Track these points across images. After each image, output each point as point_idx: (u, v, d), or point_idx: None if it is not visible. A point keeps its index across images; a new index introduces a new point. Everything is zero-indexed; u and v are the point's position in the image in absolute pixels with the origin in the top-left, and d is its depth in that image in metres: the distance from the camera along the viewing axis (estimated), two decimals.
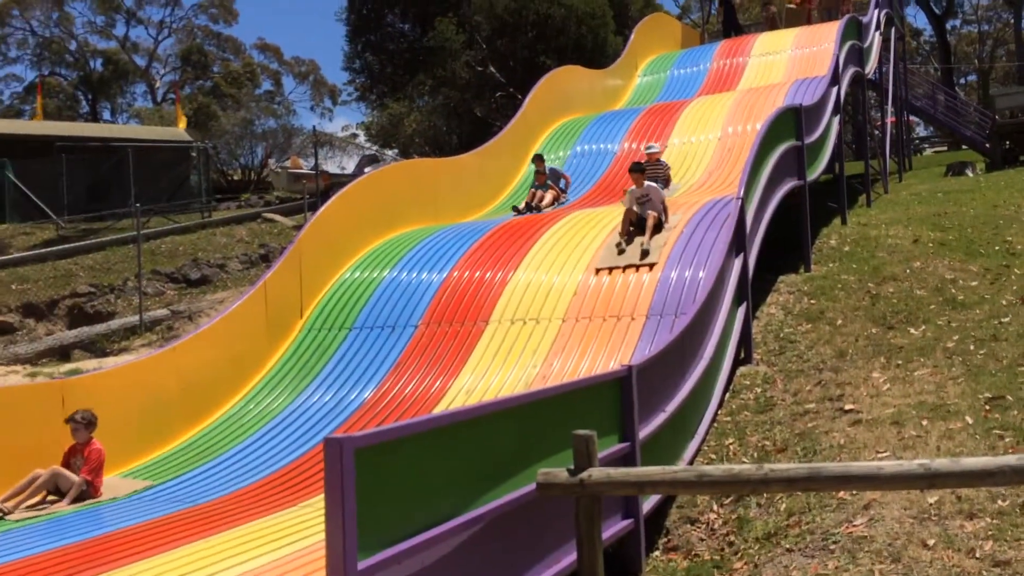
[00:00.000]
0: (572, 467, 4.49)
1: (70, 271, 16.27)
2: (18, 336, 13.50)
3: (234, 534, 6.01)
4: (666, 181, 12.91)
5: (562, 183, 14.27)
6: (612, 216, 11.28)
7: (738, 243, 8.89)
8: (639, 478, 4.46)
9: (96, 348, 12.82)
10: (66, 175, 21.77)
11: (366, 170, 24.73)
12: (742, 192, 9.13)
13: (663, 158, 14.07)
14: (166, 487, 7.62)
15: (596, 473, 4.43)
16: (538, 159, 14.24)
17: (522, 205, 13.34)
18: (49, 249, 17.82)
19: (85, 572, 5.28)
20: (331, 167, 33.21)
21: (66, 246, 17.99)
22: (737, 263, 8.82)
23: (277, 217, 21.02)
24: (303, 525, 6.09)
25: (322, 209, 11.66)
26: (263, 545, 5.61)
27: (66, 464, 7.25)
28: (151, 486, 7.55)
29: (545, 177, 13.89)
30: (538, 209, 13.13)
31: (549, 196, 13.61)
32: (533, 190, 13.71)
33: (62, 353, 12.68)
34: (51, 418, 7.67)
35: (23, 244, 18.84)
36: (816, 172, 12.92)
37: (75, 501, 7.03)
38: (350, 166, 35.56)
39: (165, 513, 6.66)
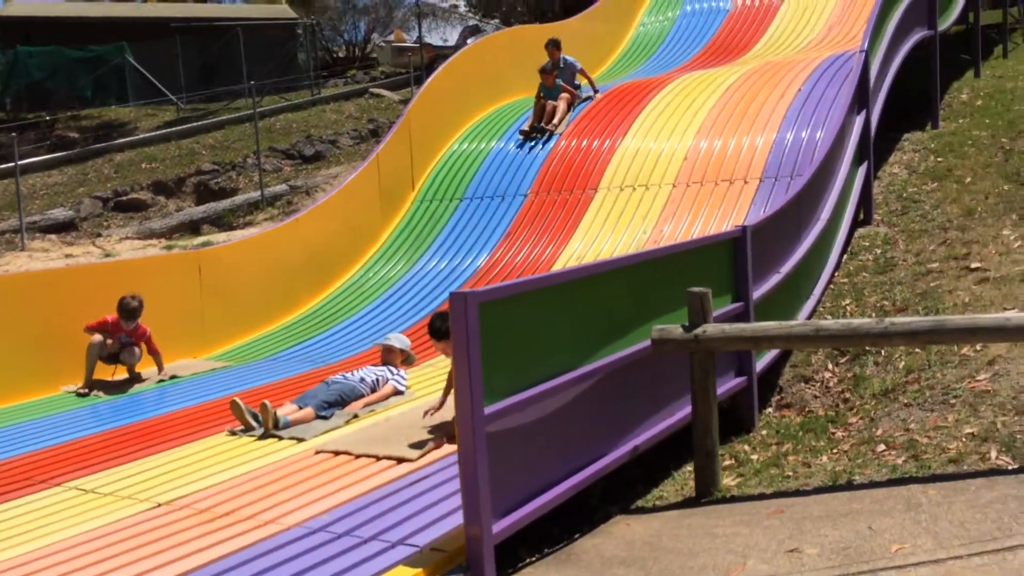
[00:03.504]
0: (687, 324, 4.57)
1: (193, 150, 16.95)
2: (151, 212, 14.30)
3: None
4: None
5: (580, 86, 11.27)
6: (726, 76, 10.89)
7: (860, 99, 8.48)
8: (754, 333, 4.50)
9: (222, 222, 13.47)
10: (181, 56, 22.35)
11: (468, 41, 24.43)
12: (866, 44, 8.64)
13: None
14: (297, 349, 8.13)
15: (711, 329, 4.50)
16: (552, 47, 11.11)
17: (526, 126, 10.66)
18: (172, 129, 18.54)
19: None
20: (434, 39, 32.86)
21: (187, 126, 18.67)
22: (859, 120, 8.45)
23: (384, 92, 21.14)
24: (429, 381, 6.44)
25: (429, 81, 11.71)
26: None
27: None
28: (229, 367, 7.61)
29: (554, 77, 10.81)
30: (545, 132, 10.47)
31: (562, 106, 10.67)
32: (541, 99, 10.69)
33: (192, 227, 13.40)
34: (190, 286, 8.23)
35: (147, 125, 19.66)
36: (948, 21, 12.06)
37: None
38: (452, 38, 35.10)
39: (298, 372, 7.14)
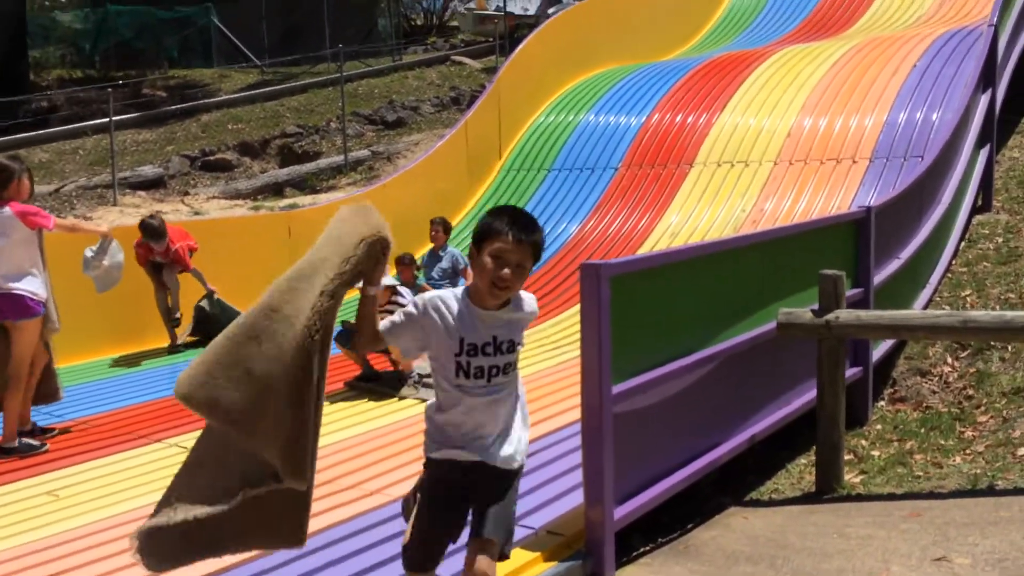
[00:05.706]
0: (816, 307, 4.29)
1: (277, 112, 17.00)
2: (236, 173, 14.37)
3: None
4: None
5: (460, 284, 6.51)
6: (831, 51, 10.40)
7: (986, 77, 7.97)
8: (894, 321, 4.20)
9: (305, 186, 13.45)
10: (265, 20, 22.48)
11: (549, 12, 24.01)
12: (995, 18, 8.10)
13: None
14: None
15: (844, 315, 4.22)
16: (440, 227, 7.68)
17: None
18: (258, 91, 18.64)
19: None
20: (514, 8, 32.53)
21: (272, 88, 18.74)
22: (984, 100, 7.95)
23: (465, 60, 20.91)
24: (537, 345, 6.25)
25: (520, 48, 11.48)
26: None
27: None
28: None
29: (413, 270, 7.17)
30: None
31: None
32: None
33: (276, 189, 13.42)
34: (279, 247, 8.18)
35: (230, 87, 19.78)
36: None
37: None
38: (532, 7, 34.67)
39: None
